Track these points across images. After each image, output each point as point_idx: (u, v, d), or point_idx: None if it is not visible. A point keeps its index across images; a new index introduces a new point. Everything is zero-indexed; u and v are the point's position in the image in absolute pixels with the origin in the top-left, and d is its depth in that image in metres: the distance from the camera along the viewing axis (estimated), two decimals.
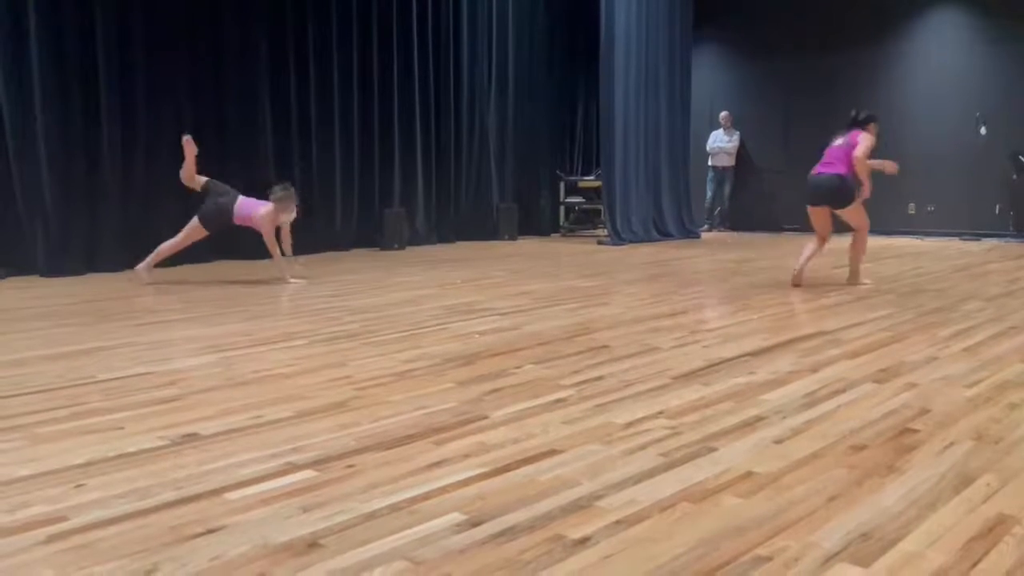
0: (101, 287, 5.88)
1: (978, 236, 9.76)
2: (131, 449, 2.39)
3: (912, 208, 10.16)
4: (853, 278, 5.85)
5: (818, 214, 5.75)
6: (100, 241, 6.73)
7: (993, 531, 1.84)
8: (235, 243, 7.23)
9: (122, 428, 2.59)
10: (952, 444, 2.43)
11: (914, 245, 8.98)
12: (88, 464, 2.27)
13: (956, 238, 9.77)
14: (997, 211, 9.84)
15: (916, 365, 3.41)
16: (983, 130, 9.72)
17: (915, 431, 2.54)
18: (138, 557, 1.72)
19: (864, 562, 1.69)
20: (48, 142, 6.41)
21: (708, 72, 11.53)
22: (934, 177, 9.93)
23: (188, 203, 6.90)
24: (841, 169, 5.55)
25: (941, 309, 4.82)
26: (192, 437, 2.50)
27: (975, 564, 1.69)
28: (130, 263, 6.68)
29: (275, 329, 4.27)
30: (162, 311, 4.86)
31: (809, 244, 5.88)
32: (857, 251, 5.81)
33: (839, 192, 5.54)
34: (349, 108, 8.51)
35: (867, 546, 1.76)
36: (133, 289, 5.76)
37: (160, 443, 2.45)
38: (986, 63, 9.87)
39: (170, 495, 2.05)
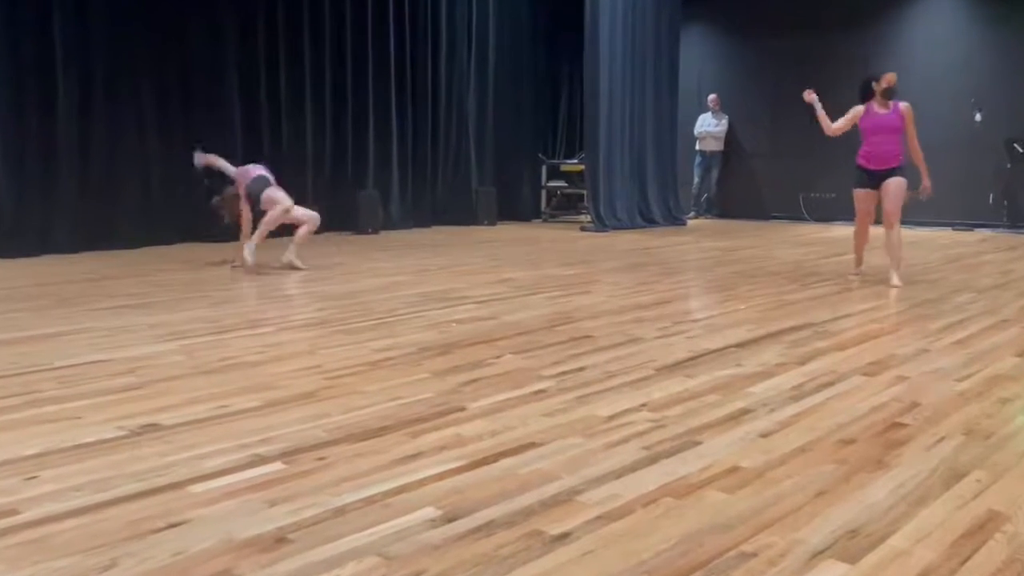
0: (56, 270, 5.74)
1: (971, 226, 9.75)
2: (88, 439, 2.32)
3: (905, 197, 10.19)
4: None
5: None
6: (55, 222, 6.50)
7: (983, 528, 1.82)
8: (199, 225, 7.05)
9: (79, 418, 2.52)
10: (942, 439, 2.41)
11: (906, 235, 8.99)
12: (42, 455, 2.20)
13: (949, 228, 9.77)
14: (991, 201, 9.83)
15: (906, 358, 3.40)
16: (978, 117, 9.69)
17: (905, 425, 2.52)
18: (95, 552, 1.66)
19: (851, 559, 1.67)
20: (1, 122, 6.21)
21: (696, 53, 11.44)
22: (927, 165, 9.94)
23: (145, 183, 6.77)
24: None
25: (932, 301, 4.81)
26: (153, 427, 2.43)
27: (964, 562, 1.67)
28: (85, 244, 6.53)
29: (241, 315, 4.19)
30: (121, 296, 4.74)
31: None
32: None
33: None
34: (321, 86, 8.32)
35: (854, 543, 1.74)
36: (91, 272, 5.63)
37: (119, 433, 2.38)
38: (982, 48, 9.82)
39: (130, 488, 1.98)
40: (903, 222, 5.55)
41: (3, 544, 1.69)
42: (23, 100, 6.32)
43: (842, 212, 10.24)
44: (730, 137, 11.38)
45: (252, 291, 5.04)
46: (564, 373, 3.08)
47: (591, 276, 5.81)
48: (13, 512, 1.84)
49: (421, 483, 2.02)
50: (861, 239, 5.77)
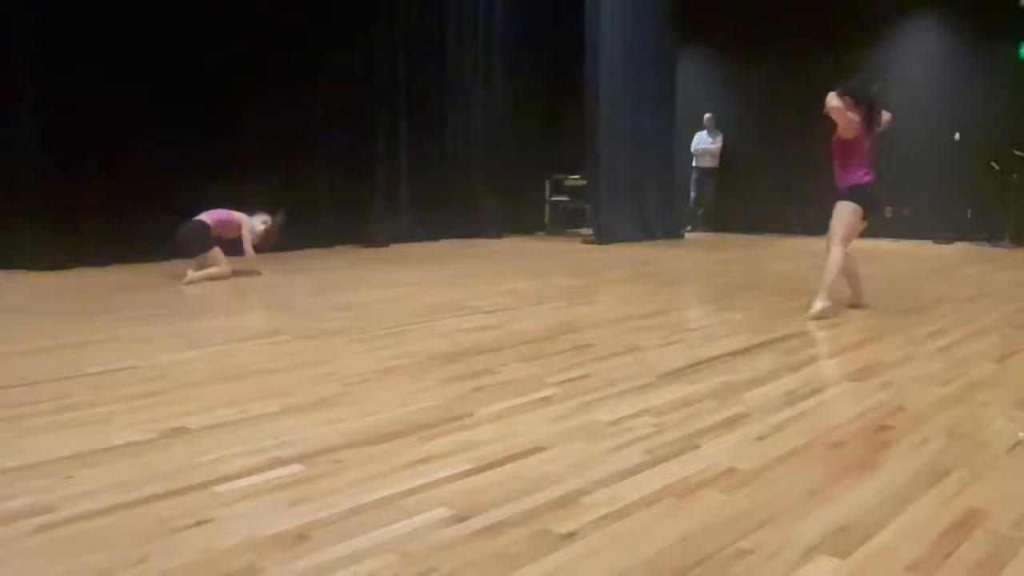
0: (87, 281, 5.84)
1: (951, 239, 9.91)
2: (119, 442, 2.40)
3: (888, 211, 10.29)
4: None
5: None
6: (86, 235, 6.61)
7: (965, 524, 1.89)
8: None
9: (110, 421, 2.60)
10: (926, 441, 2.49)
11: (889, 248, 9.11)
12: (76, 456, 2.28)
13: (929, 241, 9.92)
14: (969, 215, 9.98)
15: (892, 364, 3.47)
16: (957, 136, 9.87)
17: (891, 428, 2.60)
18: (129, 547, 1.74)
19: (842, 554, 1.74)
20: (34, 137, 6.31)
21: (693, 73, 11.58)
22: (909, 181, 10.03)
23: (175, 198, 6.85)
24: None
25: (916, 311, 4.89)
26: (180, 431, 2.51)
27: (948, 556, 1.74)
28: (116, 257, 6.63)
29: (260, 325, 4.28)
30: (147, 306, 4.82)
31: None
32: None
33: None
34: (333, 103, 8.44)
35: (845, 539, 1.81)
36: (119, 284, 5.71)
37: (148, 436, 2.46)
38: (963, 68, 9.99)
39: (159, 487, 2.06)
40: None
41: (42, 539, 1.77)
42: (55, 125, 6.39)
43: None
44: (725, 153, 11.52)
45: (269, 302, 5.12)
46: (569, 380, 3.14)
47: (594, 287, 5.88)
48: (51, 509, 1.91)
49: (433, 485, 2.08)
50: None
